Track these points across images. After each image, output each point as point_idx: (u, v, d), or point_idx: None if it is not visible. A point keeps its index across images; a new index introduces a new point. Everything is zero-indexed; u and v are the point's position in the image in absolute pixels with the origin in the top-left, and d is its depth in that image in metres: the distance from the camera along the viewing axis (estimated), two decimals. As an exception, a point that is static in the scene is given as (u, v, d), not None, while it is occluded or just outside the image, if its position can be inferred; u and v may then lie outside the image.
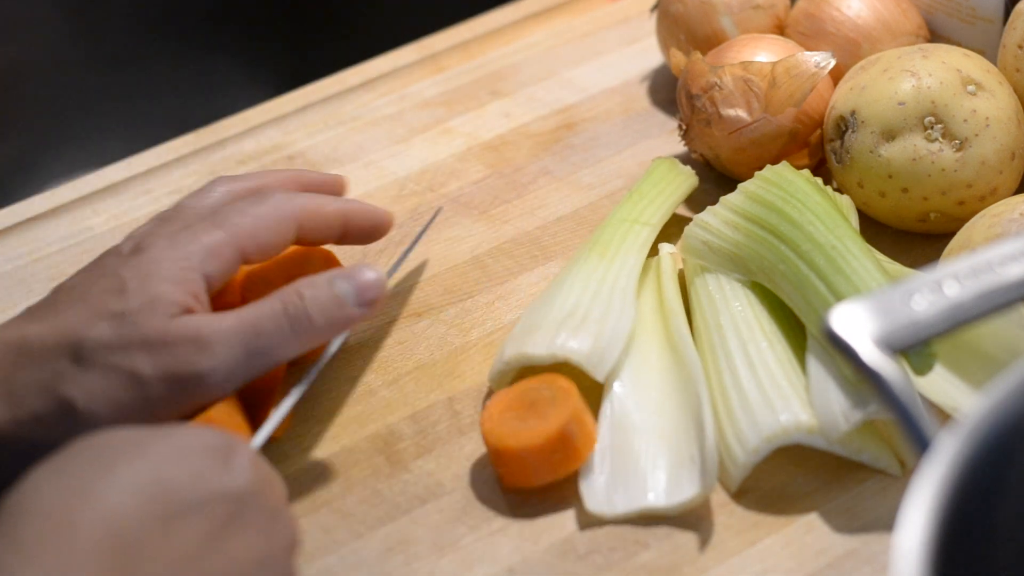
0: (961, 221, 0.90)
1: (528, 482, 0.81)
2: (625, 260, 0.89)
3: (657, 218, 0.93)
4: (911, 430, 0.63)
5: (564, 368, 0.84)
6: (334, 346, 0.87)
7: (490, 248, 0.97)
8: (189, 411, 0.78)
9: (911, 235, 0.94)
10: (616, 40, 1.14)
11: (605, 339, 0.84)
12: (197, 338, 0.77)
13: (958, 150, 0.91)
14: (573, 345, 0.83)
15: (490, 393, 0.87)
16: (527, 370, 0.85)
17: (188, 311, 0.78)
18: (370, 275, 0.81)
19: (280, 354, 0.78)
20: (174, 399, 0.77)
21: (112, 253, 0.82)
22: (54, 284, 0.96)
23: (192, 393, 0.77)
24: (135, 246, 0.81)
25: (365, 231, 0.87)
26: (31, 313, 0.80)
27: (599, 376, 0.83)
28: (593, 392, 0.85)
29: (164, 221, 0.83)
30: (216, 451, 0.69)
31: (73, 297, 0.79)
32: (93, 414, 0.76)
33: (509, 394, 0.83)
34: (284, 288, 0.80)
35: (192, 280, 0.79)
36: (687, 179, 0.96)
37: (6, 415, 0.77)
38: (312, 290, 0.80)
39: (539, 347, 0.83)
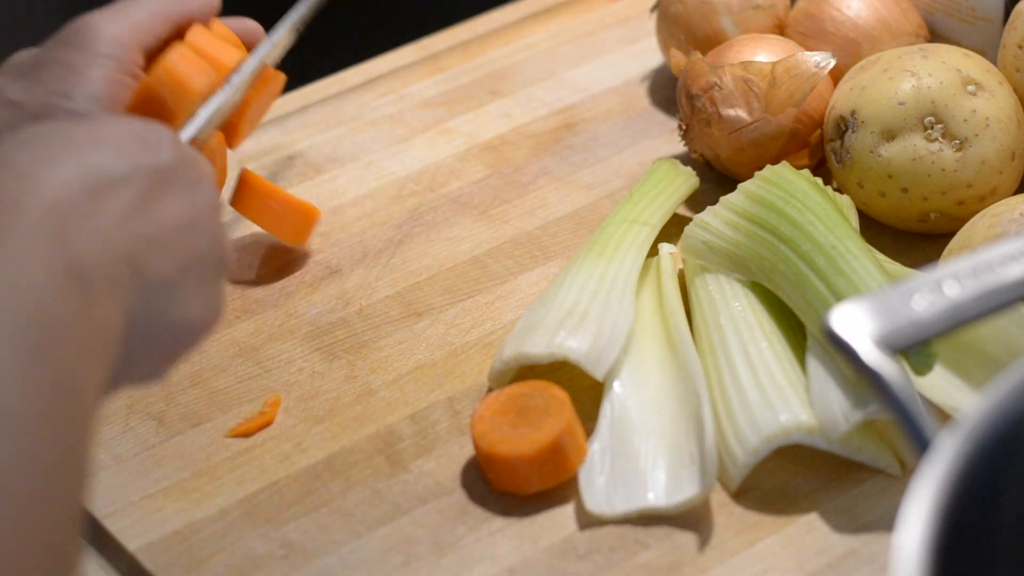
0: (961, 221, 0.90)
1: (517, 489, 0.81)
2: (624, 260, 0.89)
3: (657, 218, 0.93)
4: (911, 430, 0.63)
5: (563, 367, 0.84)
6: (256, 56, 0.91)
7: (490, 248, 0.97)
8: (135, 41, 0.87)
9: (911, 235, 0.94)
10: (616, 40, 1.14)
11: (604, 338, 0.84)
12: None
13: (958, 150, 0.91)
14: (572, 344, 0.83)
15: (490, 392, 0.87)
16: (526, 369, 0.85)
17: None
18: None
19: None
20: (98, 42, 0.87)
21: None
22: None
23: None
24: None
25: None
26: None
27: (598, 375, 0.83)
28: (592, 392, 0.85)
29: None
30: (141, 134, 0.74)
31: None
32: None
33: (501, 397, 0.83)
34: None
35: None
36: (687, 180, 0.96)
37: None
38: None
39: (538, 346, 0.83)
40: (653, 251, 0.92)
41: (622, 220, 0.91)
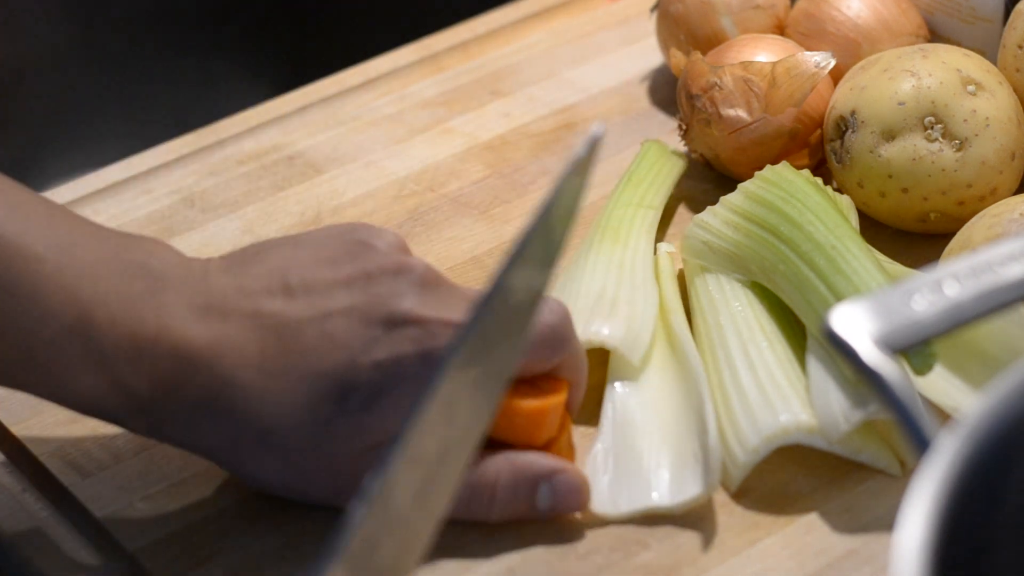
0: (961, 221, 0.90)
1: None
2: (638, 244, 0.90)
3: (659, 200, 0.94)
4: (911, 430, 0.63)
5: (590, 352, 0.85)
6: None
7: (490, 248, 0.97)
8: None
9: (911, 235, 0.94)
10: (616, 40, 1.14)
11: (637, 323, 0.84)
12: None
13: (958, 150, 0.91)
14: (607, 331, 0.84)
15: None
16: None
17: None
18: (577, 485, 0.78)
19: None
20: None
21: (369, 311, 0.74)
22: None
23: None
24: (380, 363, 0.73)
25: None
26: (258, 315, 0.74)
27: (635, 359, 0.83)
28: (593, 392, 0.85)
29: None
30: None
31: (298, 348, 0.73)
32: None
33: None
34: (492, 465, 0.77)
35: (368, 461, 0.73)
36: (677, 160, 0.97)
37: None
38: (511, 495, 0.77)
39: None
40: (658, 237, 0.93)
41: (627, 203, 0.92)
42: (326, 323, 0.72)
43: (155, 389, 0.72)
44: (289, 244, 0.76)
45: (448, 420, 0.64)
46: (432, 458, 0.64)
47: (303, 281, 0.73)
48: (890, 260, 0.90)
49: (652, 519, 0.80)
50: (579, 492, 0.78)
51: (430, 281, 0.75)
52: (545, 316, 0.76)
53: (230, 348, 0.72)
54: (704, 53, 1.00)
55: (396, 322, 0.73)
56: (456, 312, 0.74)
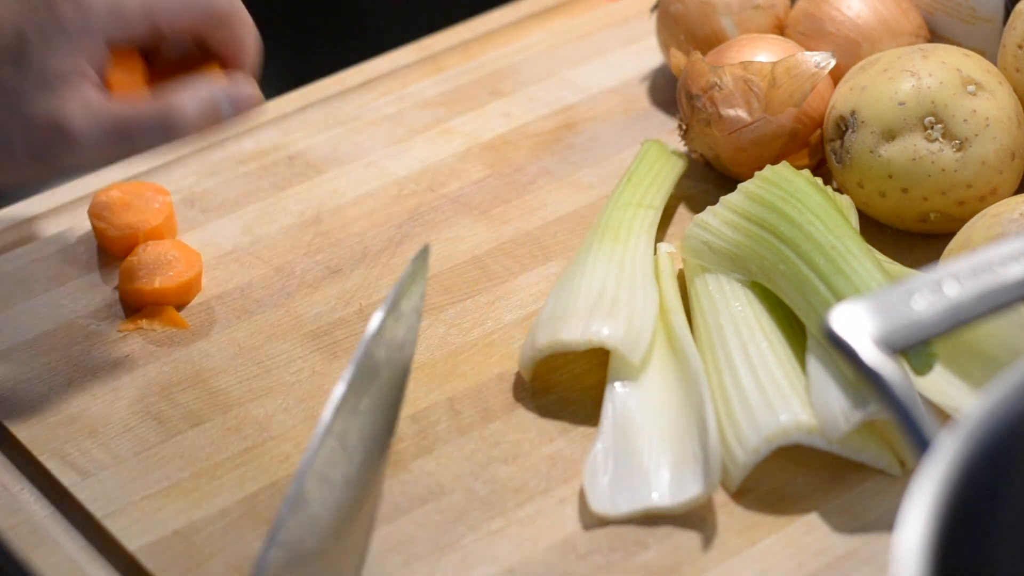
0: (961, 221, 0.90)
1: None
2: (638, 244, 0.90)
3: (659, 200, 0.94)
4: (911, 430, 0.63)
5: (590, 353, 0.85)
6: None
7: (490, 248, 0.97)
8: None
9: (911, 235, 0.94)
10: (616, 40, 1.14)
11: (637, 323, 0.84)
12: (67, 134, 0.83)
13: (958, 150, 0.91)
14: (607, 331, 0.84)
15: (518, 380, 0.87)
16: (558, 355, 0.86)
17: (79, 77, 0.83)
18: (248, 91, 0.86)
19: (145, 149, 0.85)
20: (40, 168, 0.86)
21: None
22: (54, 284, 0.96)
23: (55, 167, 0.86)
24: None
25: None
26: None
27: (635, 359, 0.83)
28: (594, 392, 0.85)
29: None
30: None
31: None
32: None
33: None
34: (169, 95, 0.84)
35: (91, 47, 0.84)
36: (678, 160, 0.97)
37: None
38: (195, 103, 0.84)
39: (574, 333, 0.84)
40: (657, 237, 0.93)
41: (627, 203, 0.92)
42: None
43: None
44: None
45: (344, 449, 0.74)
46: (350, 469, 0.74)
47: None
48: (890, 260, 0.90)
49: (652, 519, 0.80)
50: (250, 96, 0.86)
51: None
52: None
53: None
54: (704, 53, 1.00)
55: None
56: None
